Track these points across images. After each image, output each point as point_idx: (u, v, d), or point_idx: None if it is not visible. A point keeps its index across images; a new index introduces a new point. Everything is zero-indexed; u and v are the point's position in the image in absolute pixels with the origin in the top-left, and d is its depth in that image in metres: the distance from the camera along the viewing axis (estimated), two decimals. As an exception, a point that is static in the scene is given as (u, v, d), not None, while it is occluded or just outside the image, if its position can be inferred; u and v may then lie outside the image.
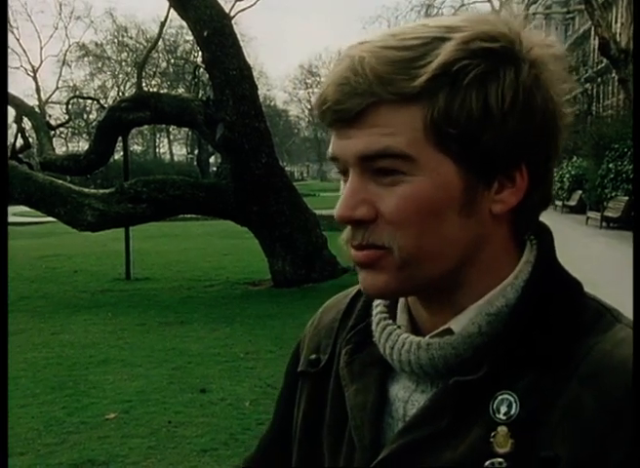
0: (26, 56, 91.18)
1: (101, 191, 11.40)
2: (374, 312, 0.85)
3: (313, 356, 0.92)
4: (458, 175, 0.72)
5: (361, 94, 0.71)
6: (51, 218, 12.28)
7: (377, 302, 0.85)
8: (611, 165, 21.33)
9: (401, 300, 0.83)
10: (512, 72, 0.71)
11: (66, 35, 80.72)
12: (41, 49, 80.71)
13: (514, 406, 0.70)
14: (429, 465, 0.73)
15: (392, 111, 0.71)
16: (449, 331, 0.77)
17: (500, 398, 0.71)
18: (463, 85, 0.70)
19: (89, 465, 4.36)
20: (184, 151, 60.56)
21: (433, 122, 0.71)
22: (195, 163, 46.47)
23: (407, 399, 0.80)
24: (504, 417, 0.70)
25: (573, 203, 27.21)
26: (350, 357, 0.87)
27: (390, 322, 0.82)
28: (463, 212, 0.73)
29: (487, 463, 0.69)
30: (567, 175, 28.84)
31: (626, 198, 19.33)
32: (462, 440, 0.72)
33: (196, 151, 46.94)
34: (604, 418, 0.67)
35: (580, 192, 26.54)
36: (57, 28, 78.68)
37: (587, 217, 22.14)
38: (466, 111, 0.70)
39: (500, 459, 0.69)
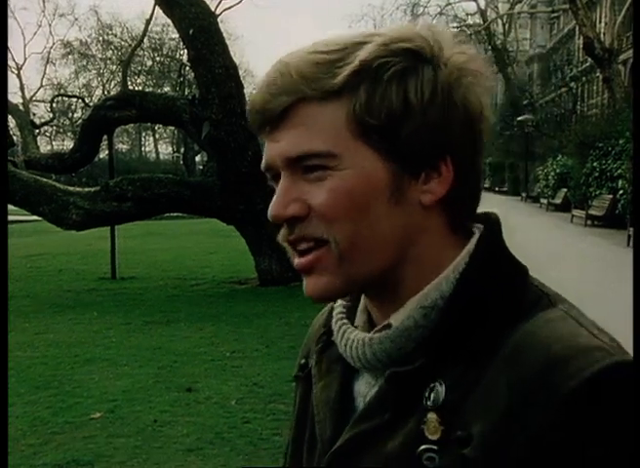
0: (10, 53, 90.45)
1: (87, 190, 11.36)
2: (334, 313, 0.88)
3: (303, 360, 0.96)
4: (382, 167, 0.75)
5: (286, 92, 0.74)
6: (35, 217, 12.23)
7: (337, 304, 0.88)
8: (595, 163, 21.46)
9: (362, 302, 0.86)
10: (431, 70, 0.75)
11: (50, 33, 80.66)
12: (25, 46, 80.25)
13: (441, 393, 0.72)
14: (375, 456, 0.76)
15: (316, 108, 0.74)
16: (390, 326, 0.78)
17: (431, 387, 0.73)
18: (384, 80, 0.74)
19: (74, 465, 4.34)
20: (170, 150, 60.31)
21: (355, 115, 0.74)
22: (181, 161, 46.37)
23: (366, 394, 0.82)
24: (432, 404, 0.72)
25: (558, 201, 27.37)
26: (319, 356, 0.91)
27: (346, 321, 0.85)
28: (392, 202, 0.75)
29: (419, 450, 0.71)
30: (552, 174, 29.00)
31: (610, 196, 19.45)
32: (401, 429, 0.74)
33: (182, 150, 46.84)
34: (512, 397, 0.67)
35: (564, 190, 26.69)
36: (40, 26, 78.09)
37: (572, 215, 22.28)
38: (387, 104, 0.74)
39: (429, 446, 0.71)
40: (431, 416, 0.71)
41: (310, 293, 0.78)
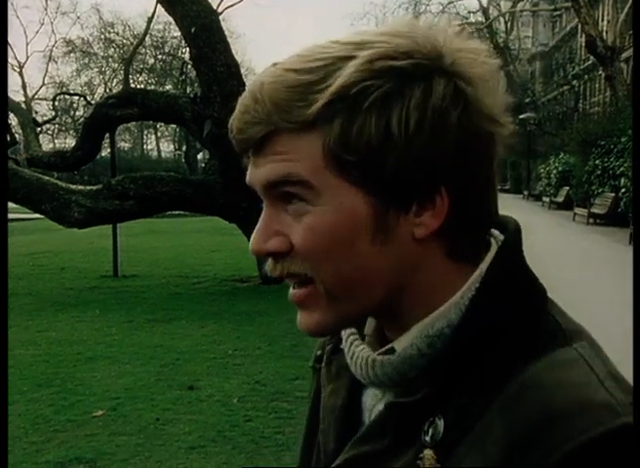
0: (12, 51, 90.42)
1: (89, 188, 11.35)
2: None
3: (319, 352, 0.93)
4: (364, 203, 0.69)
5: (259, 122, 0.70)
6: (38, 215, 12.22)
7: None
8: (597, 161, 21.43)
9: None
10: (420, 91, 0.67)
11: (53, 31, 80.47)
12: (27, 44, 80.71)
13: (440, 429, 0.68)
14: None
15: (291, 139, 0.69)
16: (393, 350, 0.75)
17: (431, 420, 0.69)
18: (363, 109, 0.67)
19: (76, 463, 4.34)
20: (172, 148, 60.34)
21: (330, 150, 0.68)
22: (183, 159, 46.34)
23: (372, 408, 0.79)
24: (430, 441, 0.68)
25: (560, 199, 27.35)
26: (329, 357, 0.88)
27: (354, 331, 0.81)
28: (378, 238, 0.70)
29: None
30: (554, 172, 28.99)
31: (613, 194, 19.44)
32: (399, 459, 0.71)
33: (184, 148, 46.81)
34: (505, 448, 0.63)
35: (567, 188, 26.67)
36: (43, 24, 78.35)
37: (574, 214, 22.25)
38: (365, 137, 0.67)
39: None
40: (427, 453, 0.68)
41: (303, 329, 0.75)
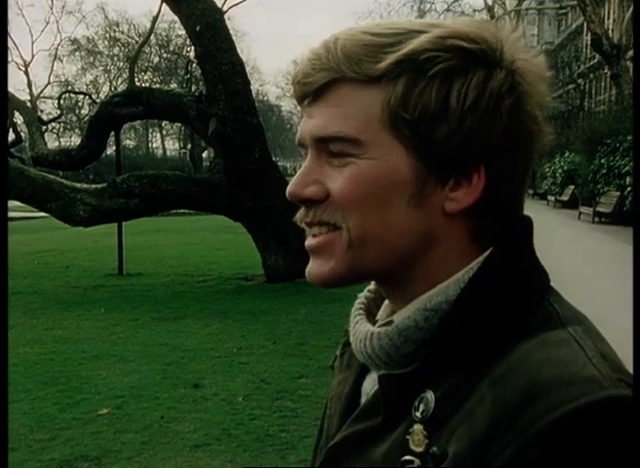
0: (18, 50, 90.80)
1: (94, 186, 11.38)
2: (355, 302, 0.86)
3: (338, 351, 0.94)
4: (408, 164, 0.72)
5: (327, 69, 0.72)
6: (43, 213, 12.25)
7: (362, 294, 0.87)
8: (603, 160, 21.40)
9: None
10: (482, 75, 0.71)
11: (58, 30, 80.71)
12: (32, 43, 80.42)
13: (430, 405, 0.69)
14: (364, 459, 0.74)
15: (353, 91, 0.72)
16: (391, 323, 0.77)
17: (422, 396, 0.70)
18: (427, 75, 0.70)
19: (81, 461, 4.35)
20: (177, 146, 60.38)
21: (390, 106, 0.71)
22: (188, 158, 46.34)
23: (369, 391, 0.81)
24: (420, 416, 0.70)
25: (565, 198, 27.32)
26: (343, 348, 0.90)
27: (361, 312, 0.83)
28: (412, 202, 0.72)
29: (401, 460, 0.69)
30: (559, 171, 28.95)
31: (618, 193, 19.40)
32: (389, 436, 0.72)
33: (189, 146, 46.83)
34: (492, 420, 0.64)
35: (572, 187, 26.63)
36: (48, 23, 78.18)
37: (580, 212, 22.23)
38: (425, 101, 0.70)
39: (412, 457, 0.69)
40: (417, 428, 0.69)
41: (312, 275, 0.77)
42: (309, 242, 0.77)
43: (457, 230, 0.74)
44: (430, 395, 0.70)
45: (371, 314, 0.84)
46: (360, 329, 0.80)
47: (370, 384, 0.82)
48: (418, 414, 0.70)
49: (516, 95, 0.72)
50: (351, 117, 0.72)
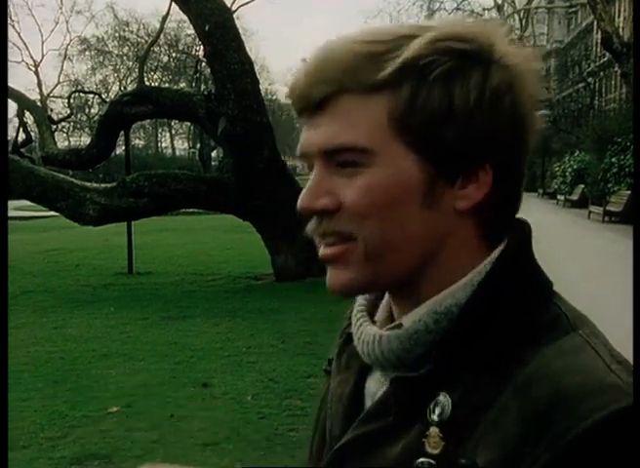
0: (28, 50, 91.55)
1: (103, 185, 11.41)
2: (355, 305, 0.86)
3: (331, 356, 0.94)
4: (418, 168, 0.72)
5: (327, 82, 0.73)
6: (53, 213, 12.29)
7: (360, 297, 0.87)
8: (613, 159, 21.32)
9: (385, 296, 0.84)
10: (480, 73, 0.72)
11: (67, 29, 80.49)
12: (42, 43, 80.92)
13: (447, 408, 0.70)
14: (375, 459, 0.74)
15: (356, 102, 0.73)
16: (400, 326, 0.77)
17: (437, 399, 0.71)
18: (429, 79, 0.71)
19: (91, 459, 4.37)
20: (186, 145, 60.45)
21: (396, 113, 0.72)
22: (197, 157, 46.42)
23: (376, 392, 0.81)
24: (437, 419, 0.70)
25: (575, 197, 27.22)
26: (340, 349, 0.90)
27: (364, 314, 0.83)
28: (425, 205, 0.73)
29: (417, 462, 0.70)
30: (569, 170, 28.84)
31: (629, 192, 19.32)
32: (403, 437, 0.72)
33: (198, 145, 46.87)
34: (522, 432, 0.64)
35: (582, 186, 26.54)
36: (58, 22, 78.60)
37: (590, 212, 22.14)
38: (430, 106, 0.71)
39: (428, 460, 0.69)
40: (434, 430, 0.70)
41: (332, 286, 0.77)
42: (324, 251, 0.77)
43: (466, 228, 0.75)
44: (446, 398, 0.70)
45: (370, 315, 0.84)
46: (366, 331, 0.80)
47: (374, 385, 0.82)
48: (434, 417, 0.70)
49: (514, 89, 0.73)
50: (358, 127, 0.72)
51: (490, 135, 0.72)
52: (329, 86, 0.73)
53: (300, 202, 0.76)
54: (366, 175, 0.72)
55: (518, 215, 0.80)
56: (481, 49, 0.73)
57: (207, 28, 10.35)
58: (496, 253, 0.76)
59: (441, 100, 0.71)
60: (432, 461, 0.69)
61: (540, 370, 0.67)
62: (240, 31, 11.21)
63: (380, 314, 0.84)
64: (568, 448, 0.62)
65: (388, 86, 0.72)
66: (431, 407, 0.71)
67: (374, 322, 0.83)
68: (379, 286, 0.79)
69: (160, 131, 60.71)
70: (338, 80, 0.72)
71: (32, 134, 26.16)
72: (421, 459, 0.69)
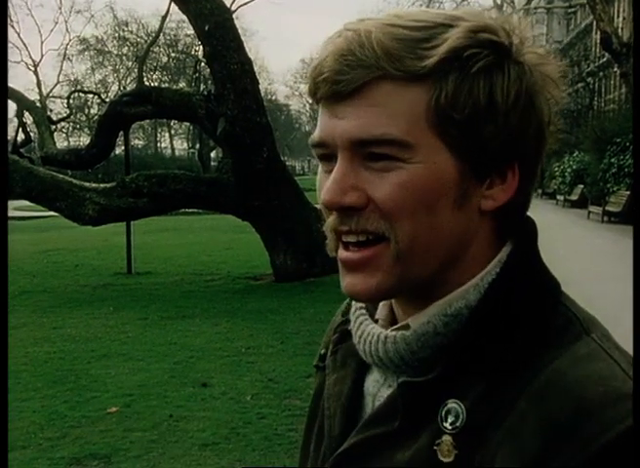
0: (27, 50, 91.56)
1: (102, 185, 11.40)
2: (353, 302, 0.84)
3: (323, 350, 0.92)
4: (454, 166, 0.69)
5: (367, 66, 0.67)
6: (52, 213, 12.29)
7: None
8: (613, 159, 21.32)
9: None
10: (516, 70, 0.70)
11: (67, 29, 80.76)
12: (42, 43, 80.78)
13: (461, 416, 0.67)
14: (381, 464, 0.73)
15: (396, 90, 0.68)
16: (408, 327, 0.75)
17: (449, 406, 0.68)
18: (471, 72, 0.68)
19: (90, 459, 4.37)
20: (186, 146, 60.47)
21: (438, 105, 0.68)
22: (196, 157, 46.42)
23: (375, 393, 0.79)
24: (450, 427, 0.68)
25: (574, 197, 27.22)
26: (335, 346, 0.87)
27: (364, 313, 0.81)
28: (457, 204, 0.70)
29: None
30: (568, 170, 28.84)
31: (628, 192, 19.31)
32: (412, 443, 0.70)
33: (197, 146, 46.87)
34: (542, 444, 0.62)
35: (581, 187, 26.53)
36: (57, 22, 78.52)
37: (589, 212, 22.14)
38: (473, 100, 0.68)
39: None
40: (447, 439, 0.67)
41: (357, 292, 0.72)
42: (348, 256, 0.72)
43: (487, 228, 0.74)
44: (459, 405, 0.68)
45: (369, 311, 0.82)
46: (368, 330, 0.78)
47: (373, 385, 0.80)
48: (447, 426, 0.68)
49: (544, 88, 0.72)
50: (396, 117, 0.67)
51: (522, 135, 0.70)
52: (369, 70, 0.67)
53: (325, 195, 0.70)
54: (402, 170, 0.68)
55: None
56: (515, 44, 0.71)
57: (206, 28, 10.35)
58: (504, 254, 0.74)
59: (483, 95, 0.68)
60: None
61: (558, 379, 0.65)
62: (240, 31, 11.22)
63: (381, 312, 0.81)
64: (590, 462, 0.60)
65: (432, 75, 0.67)
66: (442, 413, 0.69)
67: (374, 320, 0.81)
68: (403, 290, 0.74)
69: (159, 131, 60.69)
70: (378, 65, 0.67)
71: (31, 134, 26.15)
72: None
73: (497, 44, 0.69)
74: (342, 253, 0.73)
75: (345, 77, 0.68)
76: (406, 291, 0.75)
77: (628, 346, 0.90)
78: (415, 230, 0.69)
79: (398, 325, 0.76)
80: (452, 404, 0.68)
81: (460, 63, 0.68)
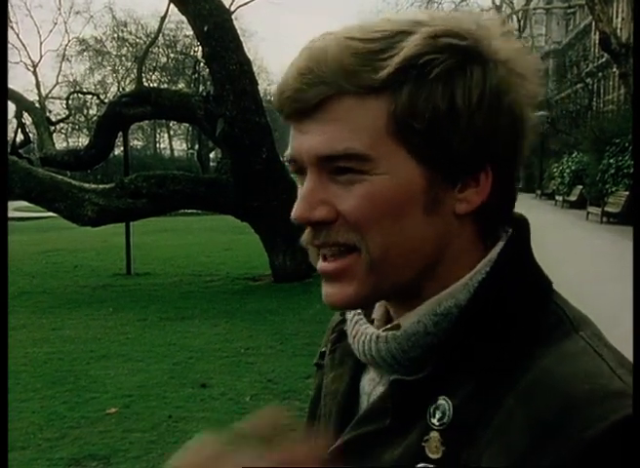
0: (26, 50, 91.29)
1: (102, 186, 11.40)
2: None
3: (323, 348, 0.93)
4: (420, 174, 0.70)
5: (324, 83, 0.68)
6: (51, 213, 12.29)
7: None
8: (611, 160, 21.34)
9: None
10: (479, 71, 0.69)
11: (66, 30, 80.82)
12: (41, 44, 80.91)
13: (448, 413, 0.68)
14: (372, 462, 0.73)
15: (355, 104, 0.68)
16: (399, 327, 0.75)
17: (437, 403, 0.69)
18: (429, 79, 0.68)
19: (90, 459, 4.37)
20: (185, 146, 60.42)
21: (397, 116, 0.68)
22: (195, 158, 46.41)
23: (371, 392, 0.80)
24: (438, 423, 0.68)
25: (573, 198, 27.24)
26: (333, 345, 0.88)
27: (360, 312, 0.81)
28: (427, 211, 0.70)
29: (417, 467, 0.68)
30: (567, 171, 28.87)
31: (627, 193, 19.33)
32: (402, 440, 0.71)
33: (196, 146, 46.87)
34: (529, 441, 0.63)
35: (580, 187, 26.55)
36: (56, 23, 78.23)
37: (588, 212, 22.16)
38: (432, 106, 0.68)
39: (428, 464, 0.68)
40: (434, 435, 0.68)
41: (334, 301, 0.74)
42: (325, 267, 0.73)
43: (467, 230, 0.73)
44: (447, 402, 0.69)
45: (366, 313, 0.83)
46: (362, 330, 0.79)
47: (368, 384, 0.81)
48: (435, 422, 0.69)
49: (513, 87, 0.71)
50: (358, 132, 0.68)
51: (491, 136, 0.70)
52: (326, 87, 0.68)
53: (295, 212, 0.72)
54: (366, 183, 0.69)
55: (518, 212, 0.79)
56: (478, 45, 0.70)
57: (205, 29, 10.35)
58: (494, 253, 0.74)
59: (443, 101, 0.68)
60: (432, 466, 0.68)
61: (545, 376, 0.65)
62: (239, 32, 11.22)
63: (377, 312, 0.82)
64: (575, 459, 0.61)
65: (388, 87, 0.68)
66: (431, 410, 0.69)
67: (370, 320, 0.81)
68: (381, 296, 0.76)
69: (158, 131, 60.64)
70: (335, 82, 0.68)
71: (30, 135, 26.13)
72: (421, 464, 0.68)
73: (457, 47, 0.69)
74: (320, 264, 0.74)
75: (304, 95, 0.69)
76: (387, 296, 0.77)
77: (628, 346, 0.90)
78: (385, 239, 0.70)
79: (390, 325, 0.77)
80: (440, 401, 0.69)
81: (416, 71, 0.68)
